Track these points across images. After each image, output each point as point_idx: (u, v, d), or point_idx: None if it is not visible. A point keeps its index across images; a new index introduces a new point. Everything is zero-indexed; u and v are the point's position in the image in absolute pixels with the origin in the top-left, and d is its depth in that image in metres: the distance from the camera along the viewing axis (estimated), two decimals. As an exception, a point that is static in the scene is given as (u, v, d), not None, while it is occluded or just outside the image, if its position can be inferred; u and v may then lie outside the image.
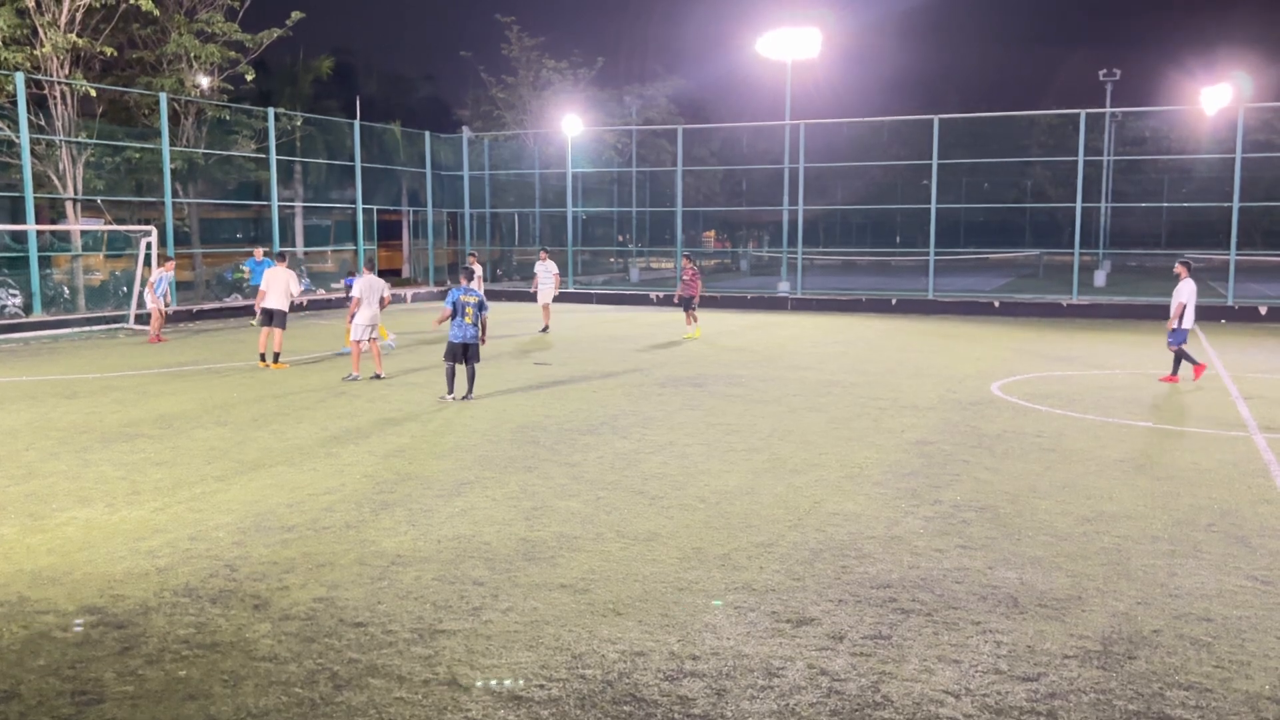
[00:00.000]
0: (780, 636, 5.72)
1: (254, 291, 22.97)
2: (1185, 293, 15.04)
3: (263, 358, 16.75)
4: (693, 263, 22.41)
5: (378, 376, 15.31)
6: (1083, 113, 29.45)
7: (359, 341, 15.40)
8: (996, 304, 28.65)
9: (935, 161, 29.77)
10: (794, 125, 32.17)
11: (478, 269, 22.91)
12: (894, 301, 29.43)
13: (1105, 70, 49.69)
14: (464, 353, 13.44)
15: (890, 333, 23.26)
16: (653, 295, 32.42)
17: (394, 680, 5.14)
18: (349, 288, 22.21)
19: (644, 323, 25.36)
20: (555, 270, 23.33)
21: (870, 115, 44.57)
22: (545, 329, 22.59)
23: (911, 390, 14.60)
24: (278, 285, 16.63)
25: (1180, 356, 15.26)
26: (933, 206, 30.02)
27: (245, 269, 25.45)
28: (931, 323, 25.90)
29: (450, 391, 13.52)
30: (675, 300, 22.81)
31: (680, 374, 16.16)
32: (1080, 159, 29.21)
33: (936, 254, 30.43)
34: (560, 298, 33.46)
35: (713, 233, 61.02)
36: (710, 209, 50.20)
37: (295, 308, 16.69)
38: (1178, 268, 15.45)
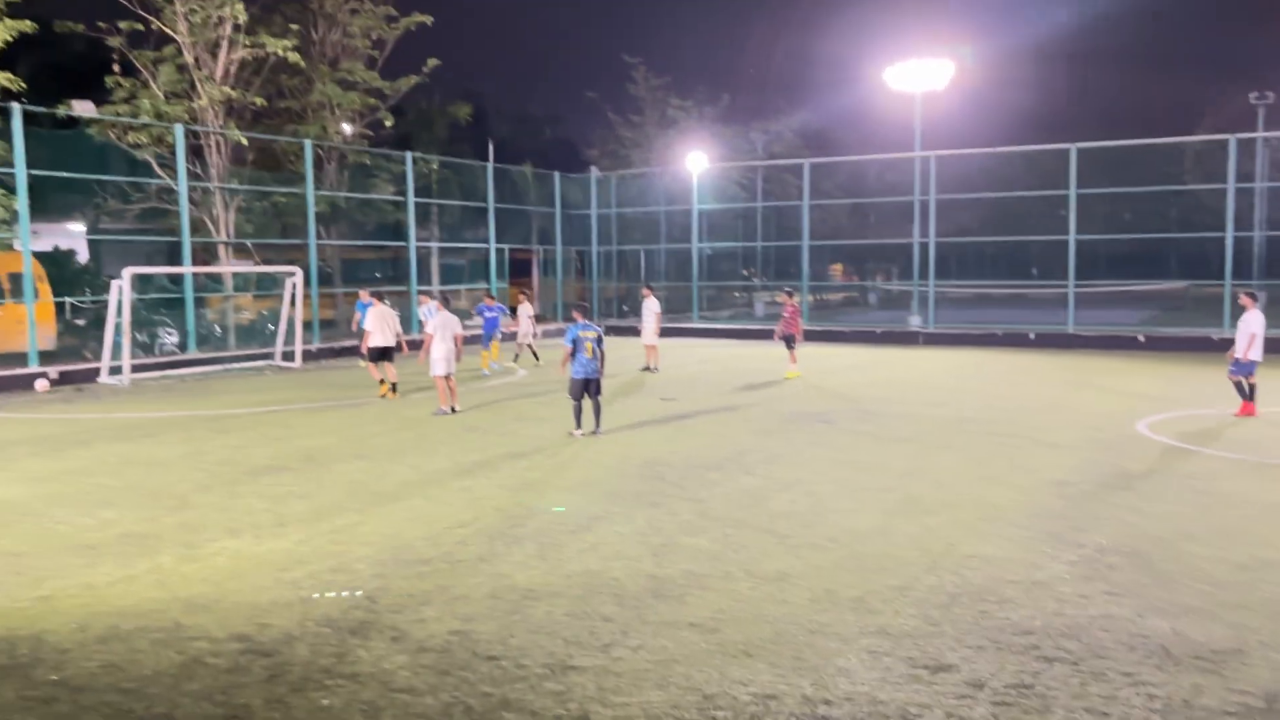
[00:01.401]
0: (917, 683, 5.56)
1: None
2: (1255, 323, 15.04)
3: (389, 386, 17.86)
4: (792, 298, 21.46)
5: (452, 410, 15.80)
6: (1232, 138, 28.14)
7: (442, 376, 15.87)
8: (1141, 338, 27.46)
9: (1073, 191, 28.84)
10: (924, 157, 31.66)
11: (527, 307, 23.51)
12: (1031, 335, 28.51)
13: (1257, 93, 47.37)
14: (588, 387, 13.63)
15: (1027, 368, 22.53)
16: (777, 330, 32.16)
17: (527, 715, 5.19)
18: (481, 314, 23.21)
19: (769, 357, 25.13)
20: (656, 308, 22.65)
21: (1002, 144, 43.47)
22: (647, 368, 22.03)
23: (1051, 428, 14.09)
24: (384, 324, 17.81)
25: (1239, 387, 15.27)
26: (1071, 237, 29.05)
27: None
28: (1071, 357, 24.99)
29: (578, 427, 13.68)
30: (776, 338, 21.67)
31: (807, 409, 15.98)
32: (1230, 186, 27.84)
33: (1076, 286, 29.38)
34: (686, 333, 33.72)
35: (840, 266, 60.33)
36: (837, 242, 49.69)
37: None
38: (1243, 299, 15.51)
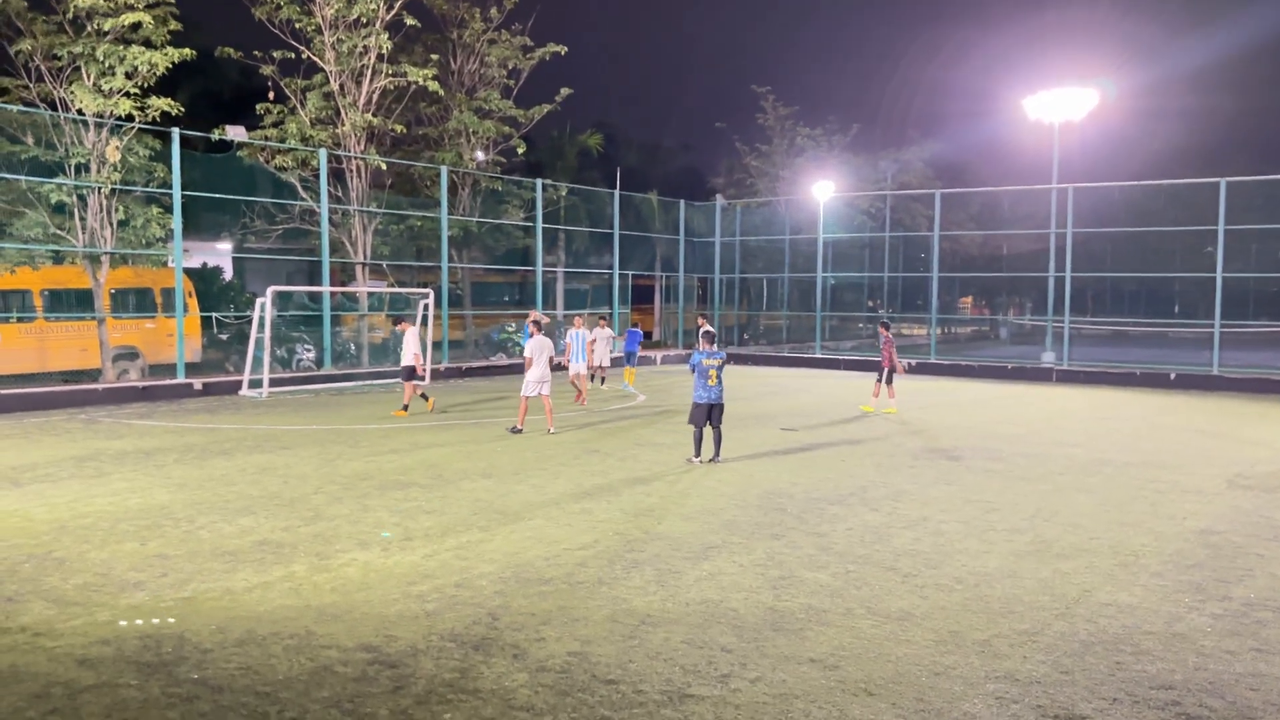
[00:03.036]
0: (1047, 734, 5.35)
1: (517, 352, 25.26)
2: None
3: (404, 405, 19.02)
4: (889, 330, 20.72)
5: (549, 431, 16.25)
6: (1399, 172, 26.49)
7: (526, 397, 16.30)
8: (1293, 381, 25.98)
9: (1221, 227, 27.54)
10: (1061, 189, 30.73)
11: (605, 331, 23.96)
12: (1172, 376, 27.28)
13: None
14: (710, 415, 13.63)
15: (1169, 410, 21.55)
16: (906, 362, 31.59)
17: (643, 742, 5.18)
18: (633, 341, 23.87)
19: (895, 390, 24.66)
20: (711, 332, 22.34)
21: (1146, 176, 41.84)
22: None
23: (1194, 473, 13.44)
24: (422, 347, 19.53)
25: None
26: (1218, 275, 27.73)
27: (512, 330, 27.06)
28: (1216, 400, 23.81)
29: (697, 454, 13.67)
30: (899, 370, 20.47)
31: (934, 445, 15.62)
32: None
33: (1222, 326, 28.01)
34: (808, 363, 33.40)
35: (970, 299, 58.91)
36: (967, 274, 48.53)
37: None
38: None
